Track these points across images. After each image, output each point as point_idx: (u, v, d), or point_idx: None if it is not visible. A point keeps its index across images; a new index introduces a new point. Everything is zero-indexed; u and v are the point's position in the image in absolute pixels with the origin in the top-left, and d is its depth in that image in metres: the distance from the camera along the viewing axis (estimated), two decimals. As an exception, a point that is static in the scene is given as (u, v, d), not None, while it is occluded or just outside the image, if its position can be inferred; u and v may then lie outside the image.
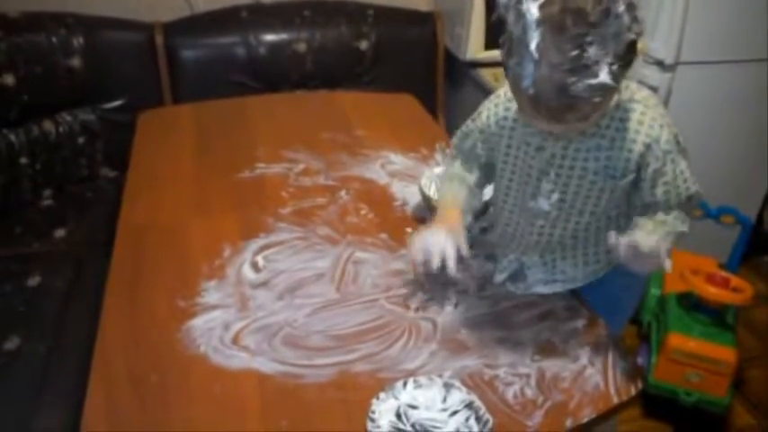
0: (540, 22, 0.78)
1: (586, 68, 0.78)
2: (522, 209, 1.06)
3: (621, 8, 0.78)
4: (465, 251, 1.02)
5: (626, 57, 0.81)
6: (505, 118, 1.03)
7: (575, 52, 0.77)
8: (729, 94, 1.95)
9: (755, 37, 1.86)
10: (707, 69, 1.89)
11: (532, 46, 0.78)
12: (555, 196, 1.01)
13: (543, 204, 1.02)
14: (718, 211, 1.82)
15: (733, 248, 1.88)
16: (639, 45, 0.84)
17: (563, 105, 0.81)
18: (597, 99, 0.81)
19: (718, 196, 1.87)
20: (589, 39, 0.77)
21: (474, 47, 1.99)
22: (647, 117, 0.93)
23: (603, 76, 0.78)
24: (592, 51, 0.77)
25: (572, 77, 0.78)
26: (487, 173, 1.11)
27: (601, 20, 0.77)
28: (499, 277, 1.12)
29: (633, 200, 1.00)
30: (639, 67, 1.93)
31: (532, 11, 0.78)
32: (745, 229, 1.84)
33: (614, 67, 0.79)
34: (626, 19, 0.78)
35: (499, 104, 1.05)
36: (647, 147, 0.93)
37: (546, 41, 0.78)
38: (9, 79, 1.77)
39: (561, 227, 1.03)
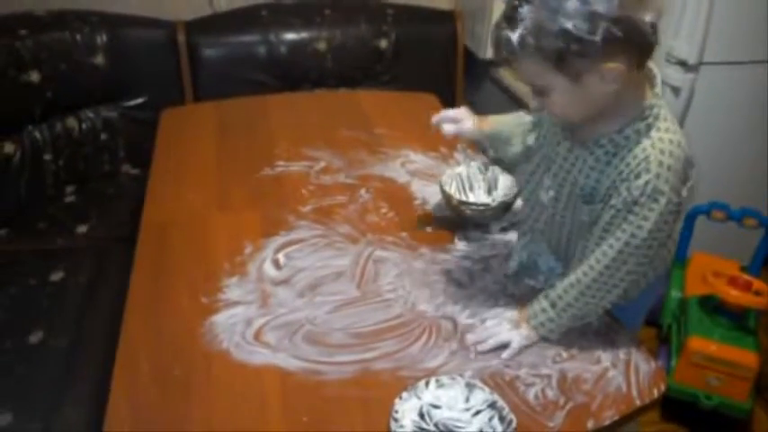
0: None
1: (513, 21, 0.83)
2: (533, 196, 1.08)
3: (570, 3, 0.78)
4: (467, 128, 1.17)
5: (552, 40, 0.80)
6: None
7: (515, 2, 0.83)
8: (753, 95, 1.93)
9: (781, 37, 1.84)
10: (730, 70, 1.87)
11: None
12: (551, 193, 1.02)
13: (543, 197, 1.04)
14: (741, 214, 1.80)
15: (755, 251, 1.86)
16: (610, 64, 0.82)
17: (492, 43, 0.88)
18: (506, 52, 0.85)
19: (741, 198, 1.85)
20: None
21: (494, 46, 1.98)
22: (644, 154, 0.88)
23: (514, 36, 0.83)
24: (525, 10, 0.81)
25: (501, 21, 0.85)
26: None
27: None
28: (512, 264, 1.12)
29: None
30: (662, 67, 1.91)
31: None
32: (768, 231, 1.81)
33: (529, 38, 0.81)
34: (570, 5, 0.78)
35: None
36: (621, 180, 0.90)
37: None
38: (34, 76, 1.79)
39: (556, 223, 1.05)
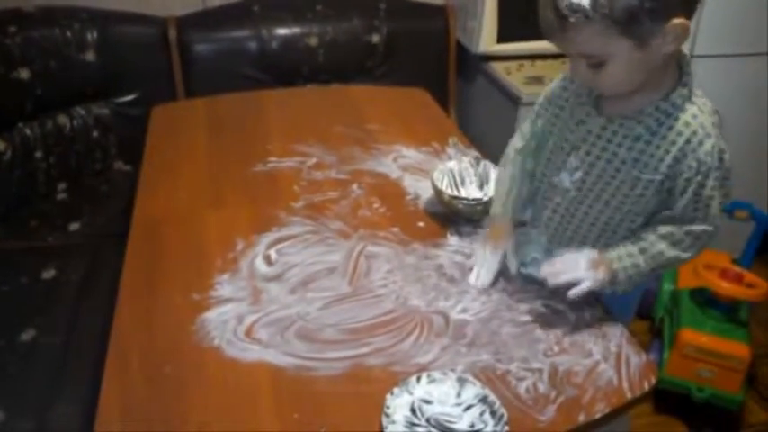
0: None
1: None
2: (548, 182, 1.06)
3: None
4: (513, 268, 1.09)
5: (622, 3, 0.78)
6: (564, 88, 1.03)
7: None
8: (744, 88, 1.93)
9: (772, 30, 1.84)
10: (721, 62, 1.88)
11: None
12: (578, 174, 0.99)
13: (565, 180, 1.01)
14: (732, 207, 1.81)
15: (747, 244, 1.87)
16: (676, 20, 0.80)
17: (552, 15, 0.83)
18: (575, 19, 0.80)
19: (733, 191, 1.85)
20: None
21: (486, 40, 1.98)
22: (697, 121, 0.89)
23: (585, 1, 0.79)
24: None
25: None
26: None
27: None
28: (512, 267, 1.10)
29: (654, 213, 0.98)
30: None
31: None
32: (760, 224, 1.82)
33: (601, 2, 0.78)
34: None
35: (564, 77, 1.04)
36: (685, 153, 0.90)
37: None
38: (24, 73, 1.78)
39: (573, 212, 1.03)
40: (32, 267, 1.50)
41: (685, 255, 0.97)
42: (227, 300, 1.06)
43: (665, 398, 1.71)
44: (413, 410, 0.85)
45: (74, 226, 1.72)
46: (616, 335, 1.01)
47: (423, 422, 0.84)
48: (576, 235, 1.04)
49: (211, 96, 1.83)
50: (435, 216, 1.27)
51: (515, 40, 1.99)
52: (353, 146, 1.52)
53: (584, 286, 0.96)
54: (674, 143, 0.90)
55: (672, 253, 0.96)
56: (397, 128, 1.61)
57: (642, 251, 0.96)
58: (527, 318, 1.04)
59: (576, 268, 0.97)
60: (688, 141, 0.89)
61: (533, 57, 2.05)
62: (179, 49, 1.95)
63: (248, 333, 0.99)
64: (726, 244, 1.91)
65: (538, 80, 1.92)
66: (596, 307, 1.06)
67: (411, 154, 1.50)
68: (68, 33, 1.83)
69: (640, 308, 1.30)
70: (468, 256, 1.16)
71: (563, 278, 0.97)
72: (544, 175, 1.07)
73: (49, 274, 1.49)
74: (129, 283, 1.10)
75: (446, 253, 1.17)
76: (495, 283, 1.10)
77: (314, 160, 1.47)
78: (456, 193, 1.26)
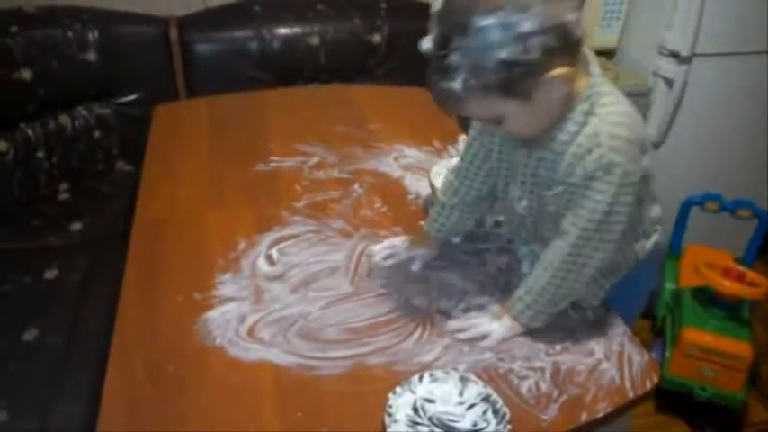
0: (435, 13, 0.83)
1: (445, 72, 0.81)
2: (509, 210, 1.08)
3: (489, 22, 0.78)
4: (415, 268, 1.11)
5: (493, 74, 0.79)
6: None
7: (442, 52, 0.80)
8: (746, 87, 1.93)
9: (774, 28, 1.84)
10: (723, 61, 1.87)
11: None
12: (524, 203, 1.01)
13: (517, 208, 1.03)
14: (735, 205, 1.81)
15: (749, 242, 1.87)
16: (554, 72, 0.81)
17: (435, 97, 0.85)
18: (452, 105, 0.84)
19: (735, 189, 1.85)
20: (459, 43, 0.79)
21: (487, 40, 1.98)
22: (592, 132, 0.87)
23: (456, 85, 0.81)
24: (456, 57, 0.80)
25: (435, 76, 0.83)
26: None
27: (465, 29, 0.79)
28: (524, 266, 1.12)
29: None
30: (655, 59, 1.91)
31: (436, 1, 0.83)
32: (762, 222, 1.82)
33: (472, 81, 0.80)
34: (495, 36, 0.78)
35: None
36: (575, 164, 0.89)
37: (431, 31, 0.83)
38: (26, 74, 1.78)
39: (533, 228, 1.05)
40: (35, 267, 1.50)
41: (574, 280, 0.94)
42: (230, 299, 1.06)
43: (667, 397, 1.71)
44: (415, 409, 0.85)
45: (76, 226, 1.72)
46: (618, 334, 1.01)
47: (425, 421, 0.84)
48: (547, 236, 1.03)
49: (213, 96, 1.83)
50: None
51: (516, 40, 1.99)
52: (355, 145, 1.53)
53: (495, 336, 0.98)
54: (574, 154, 0.89)
55: (556, 281, 0.94)
56: (399, 127, 1.61)
57: (527, 291, 0.97)
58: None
59: (482, 323, 0.99)
60: (580, 155, 0.88)
61: (535, 56, 2.04)
62: (180, 49, 1.95)
63: (250, 332, 0.99)
64: (728, 243, 1.91)
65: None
66: (599, 306, 1.06)
67: (412, 153, 1.50)
68: (70, 33, 1.83)
69: (643, 307, 1.29)
70: (471, 255, 1.16)
71: (470, 333, 0.98)
72: (504, 203, 1.09)
73: (51, 273, 1.49)
74: (131, 283, 1.10)
75: (448, 252, 1.17)
76: (497, 282, 1.09)
77: (315, 160, 1.47)
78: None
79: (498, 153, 1.02)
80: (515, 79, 0.81)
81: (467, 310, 1.04)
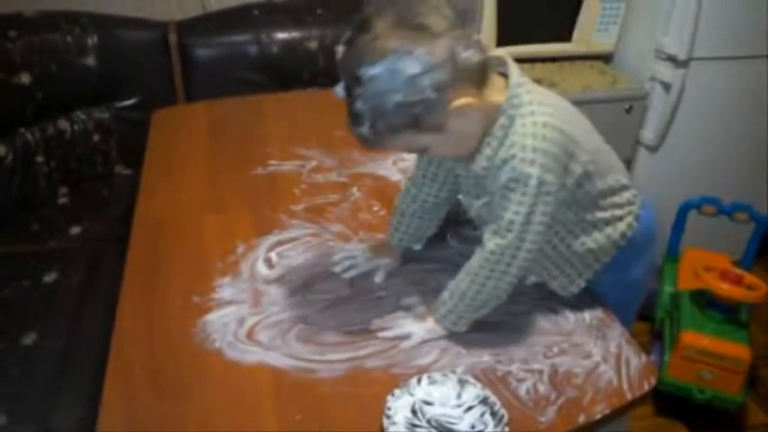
0: (338, 63, 0.87)
1: (354, 117, 0.86)
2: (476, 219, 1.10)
3: (376, 71, 0.81)
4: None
5: (396, 117, 0.83)
6: None
7: (349, 99, 0.85)
8: (743, 90, 1.94)
9: (770, 32, 1.85)
10: (720, 65, 1.88)
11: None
12: (473, 211, 1.05)
13: (473, 214, 1.07)
14: (732, 208, 1.81)
15: (747, 245, 1.87)
16: (457, 102, 0.84)
17: (369, 146, 0.90)
18: (370, 145, 0.88)
19: (732, 193, 1.86)
20: (357, 91, 0.83)
21: (485, 43, 1.99)
22: (509, 143, 0.89)
23: (364, 130, 0.86)
24: (359, 105, 0.84)
25: (348, 120, 0.87)
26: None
27: (358, 79, 0.83)
28: None
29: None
30: (652, 63, 1.92)
31: (338, 51, 0.87)
32: (760, 226, 1.83)
33: (379, 125, 0.84)
34: (385, 83, 0.81)
35: None
36: (495, 172, 0.91)
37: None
38: (25, 78, 1.79)
39: None
40: (34, 271, 1.51)
41: (493, 287, 0.94)
42: (228, 302, 1.06)
43: (665, 400, 1.71)
44: (414, 412, 0.85)
45: (75, 230, 1.72)
46: (616, 336, 1.01)
47: (423, 423, 0.84)
48: None
49: (212, 100, 1.84)
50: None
51: (514, 44, 2.00)
52: (353, 149, 1.53)
53: (415, 339, 0.98)
54: (492, 169, 0.92)
55: (475, 287, 0.95)
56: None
57: (450, 296, 0.98)
58: (527, 319, 1.04)
59: (404, 324, 1.00)
60: (498, 165, 0.90)
61: (533, 60, 2.05)
62: (179, 54, 1.96)
63: (249, 335, 0.99)
64: (726, 246, 1.92)
65: (537, 83, 1.92)
66: (596, 308, 1.06)
67: (411, 157, 1.50)
68: (69, 38, 1.84)
69: (640, 308, 1.29)
70: (467, 257, 1.16)
71: (391, 333, 0.99)
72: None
73: (50, 277, 1.49)
74: (130, 287, 1.10)
75: (446, 255, 1.17)
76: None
77: (314, 163, 1.47)
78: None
79: (445, 165, 1.06)
80: (420, 117, 0.84)
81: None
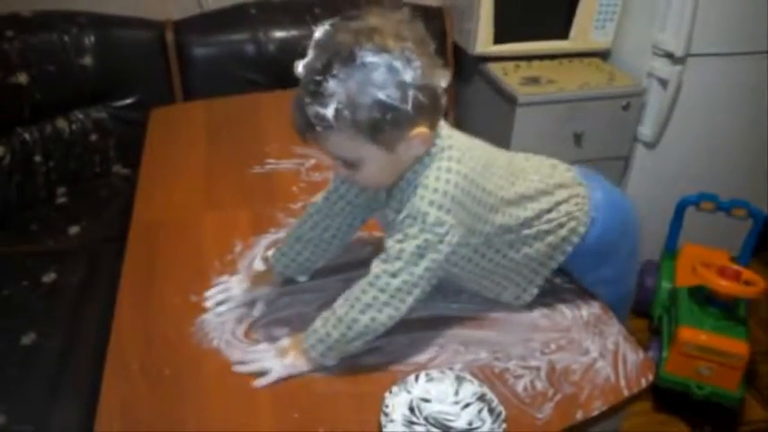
0: (315, 39, 0.85)
1: (321, 96, 0.81)
2: None
3: (376, 60, 0.80)
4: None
5: (367, 112, 0.81)
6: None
7: (318, 77, 0.81)
8: (741, 87, 1.94)
9: (767, 28, 1.85)
10: (718, 61, 1.88)
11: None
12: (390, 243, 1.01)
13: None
14: (730, 204, 1.81)
15: (744, 242, 1.88)
16: (418, 129, 0.84)
17: (300, 120, 0.86)
18: (321, 128, 0.83)
19: (730, 189, 1.86)
20: (334, 71, 0.80)
21: (483, 41, 1.99)
22: (412, 187, 0.89)
23: (329, 111, 0.81)
24: (333, 84, 0.80)
25: (306, 99, 0.83)
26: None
27: (349, 59, 0.80)
28: None
29: None
30: (649, 60, 1.92)
31: (319, 30, 0.86)
32: (757, 222, 1.83)
33: (345, 112, 0.81)
34: (378, 75, 0.80)
35: None
36: (402, 204, 0.90)
37: (309, 56, 0.84)
38: (22, 78, 1.79)
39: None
40: (32, 271, 1.50)
41: (368, 313, 0.90)
42: (226, 301, 1.06)
43: (664, 396, 1.71)
44: (411, 409, 0.86)
45: (73, 229, 1.72)
46: (613, 333, 1.02)
47: (421, 420, 0.85)
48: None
49: (209, 99, 1.84)
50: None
51: (512, 41, 2.00)
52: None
53: (273, 375, 0.92)
54: (400, 207, 0.91)
55: (353, 314, 0.90)
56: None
57: (323, 324, 0.92)
58: (524, 316, 1.04)
59: (264, 358, 0.94)
60: (404, 201, 0.90)
61: (530, 57, 2.05)
62: (177, 53, 1.96)
63: (247, 334, 1.00)
64: (724, 242, 1.92)
65: (534, 81, 1.93)
66: (594, 305, 1.06)
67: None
68: (66, 38, 1.84)
69: (639, 305, 1.29)
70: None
71: (248, 368, 0.93)
72: None
73: (49, 277, 1.49)
74: (128, 286, 1.10)
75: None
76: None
77: (312, 162, 1.47)
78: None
79: (361, 199, 1.04)
80: (384, 125, 0.83)
81: (461, 310, 1.05)
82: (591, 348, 0.98)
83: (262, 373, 0.92)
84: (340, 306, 0.92)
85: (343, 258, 1.15)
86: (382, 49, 0.80)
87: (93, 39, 1.87)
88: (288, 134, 1.57)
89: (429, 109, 0.85)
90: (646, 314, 1.91)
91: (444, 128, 0.94)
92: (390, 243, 0.90)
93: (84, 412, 1.10)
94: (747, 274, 1.63)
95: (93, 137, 1.93)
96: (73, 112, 1.91)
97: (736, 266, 1.65)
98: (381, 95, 0.81)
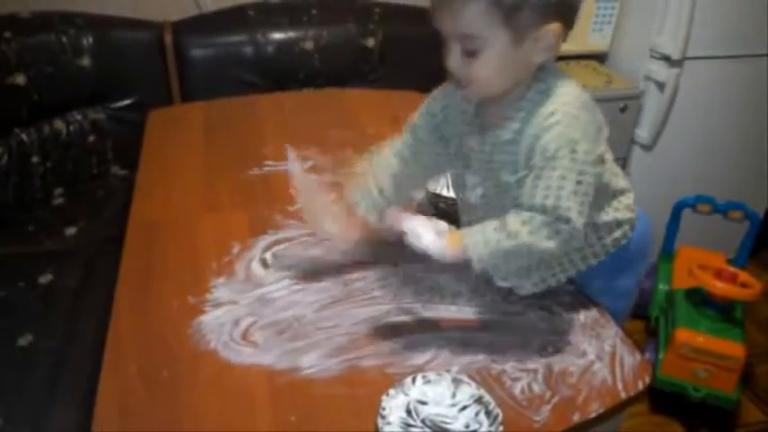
0: None
1: None
2: (460, 200, 1.06)
3: None
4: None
5: None
6: (445, 106, 1.03)
7: None
8: (737, 89, 1.95)
9: (763, 32, 1.86)
10: (714, 64, 1.89)
11: None
12: (479, 191, 1.00)
13: (471, 197, 1.02)
14: (727, 207, 1.82)
15: (741, 244, 1.88)
16: (554, 25, 0.83)
17: None
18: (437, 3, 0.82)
19: (726, 191, 1.87)
20: None
21: (481, 43, 1.99)
22: (548, 111, 0.86)
23: None
24: None
25: None
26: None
27: None
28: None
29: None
30: (646, 63, 1.93)
31: None
32: (754, 224, 1.83)
33: None
34: None
35: (441, 93, 1.04)
36: (533, 145, 0.87)
37: None
38: (20, 79, 1.79)
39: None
40: (29, 272, 1.50)
41: (544, 245, 0.86)
42: (224, 303, 1.06)
43: (660, 398, 1.72)
44: (408, 411, 0.86)
45: (70, 231, 1.72)
46: (610, 335, 1.02)
47: (418, 423, 0.85)
48: None
49: (207, 100, 1.83)
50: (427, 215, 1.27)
51: (510, 43, 2.01)
52: (349, 149, 1.53)
53: (423, 241, 0.88)
54: (529, 137, 0.88)
55: (529, 239, 0.86)
56: (393, 131, 1.61)
57: (496, 229, 0.88)
58: (521, 318, 1.04)
59: (421, 224, 0.90)
60: (537, 134, 0.87)
61: (528, 59, 2.06)
62: (175, 54, 1.96)
63: (244, 336, 0.99)
64: (720, 244, 1.93)
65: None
66: (591, 308, 1.06)
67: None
68: (64, 39, 1.84)
69: (635, 307, 1.29)
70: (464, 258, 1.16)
71: (403, 224, 0.90)
72: (456, 196, 1.08)
73: (45, 278, 1.49)
74: (125, 287, 1.10)
75: (441, 255, 1.17)
76: (489, 283, 1.10)
77: (310, 163, 1.47)
78: (438, 192, 1.27)
79: (449, 139, 1.02)
80: (527, 6, 0.80)
81: (459, 312, 1.05)
82: (588, 351, 0.99)
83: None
84: (510, 223, 0.87)
85: (343, 260, 1.16)
86: None
87: (91, 40, 1.86)
88: (285, 136, 1.59)
89: (569, 7, 0.83)
90: (642, 316, 1.92)
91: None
92: (547, 183, 0.84)
93: (81, 414, 1.10)
94: (744, 276, 1.63)
95: (91, 138, 1.93)
96: (71, 113, 1.91)
97: (732, 268, 1.65)
98: None
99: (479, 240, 0.88)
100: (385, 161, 1.09)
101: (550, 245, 0.87)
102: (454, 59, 0.88)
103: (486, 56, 0.85)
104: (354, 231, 1.10)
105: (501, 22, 0.82)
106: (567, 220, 0.85)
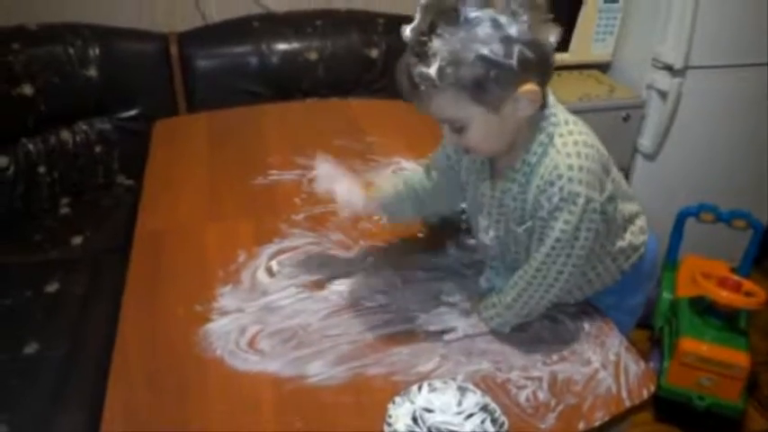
0: (421, 3, 0.83)
1: (425, 56, 0.82)
2: (476, 240, 1.10)
3: (480, 15, 0.80)
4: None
5: (470, 68, 0.81)
6: (456, 151, 1.06)
7: (423, 38, 0.82)
8: (740, 98, 1.95)
9: (765, 41, 1.87)
10: (717, 74, 1.90)
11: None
12: (491, 233, 1.03)
13: (485, 239, 1.06)
14: (730, 215, 1.82)
15: (745, 252, 1.88)
16: (526, 87, 0.84)
17: (405, 82, 0.86)
18: (425, 87, 0.83)
19: (730, 200, 1.87)
20: (438, 30, 0.81)
21: (484, 54, 2.01)
22: (552, 163, 0.90)
23: (432, 70, 0.81)
24: (438, 43, 0.81)
25: (411, 59, 0.84)
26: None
27: (453, 17, 0.80)
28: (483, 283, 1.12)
29: None
30: (649, 72, 1.94)
31: None
32: (757, 233, 1.83)
33: (448, 69, 0.81)
34: (482, 30, 0.80)
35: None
36: (539, 197, 0.91)
37: (415, 19, 0.83)
38: (27, 89, 1.80)
39: (508, 260, 1.06)
40: (36, 281, 1.51)
41: (540, 298, 0.98)
42: (230, 311, 1.07)
43: (665, 406, 1.71)
44: (414, 419, 0.86)
45: (77, 240, 1.73)
46: (615, 344, 1.02)
47: (424, 431, 0.85)
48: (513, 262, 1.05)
49: (213, 110, 1.85)
50: (435, 227, 1.28)
51: (513, 53, 2.02)
52: (353, 158, 1.54)
53: (459, 333, 1.01)
54: (537, 187, 0.92)
55: (523, 300, 0.98)
56: (396, 140, 1.63)
57: (499, 302, 1.01)
58: (526, 327, 1.05)
59: (450, 319, 1.04)
60: (542, 187, 0.91)
61: (530, 69, 2.07)
62: (180, 65, 1.97)
63: (251, 344, 1.00)
64: (724, 252, 1.93)
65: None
66: (596, 317, 1.07)
67: (410, 166, 1.51)
68: (71, 50, 1.86)
69: (640, 317, 1.30)
70: (468, 267, 1.17)
71: (435, 327, 1.03)
72: (474, 234, 1.12)
73: (52, 287, 1.50)
74: (132, 296, 1.11)
75: (446, 263, 1.18)
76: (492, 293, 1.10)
77: (314, 173, 1.47)
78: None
79: (465, 188, 1.06)
80: (489, 82, 0.82)
81: (464, 320, 1.05)
82: (593, 359, 0.99)
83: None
84: (509, 293, 0.99)
85: (347, 269, 1.16)
86: (486, 4, 0.80)
87: (97, 51, 1.88)
88: (290, 145, 1.60)
89: (536, 65, 0.84)
90: (647, 325, 1.91)
91: (550, 94, 0.93)
92: (548, 232, 0.91)
93: (87, 422, 1.11)
94: (748, 284, 1.63)
95: (98, 148, 1.94)
96: (77, 124, 1.92)
97: (736, 277, 1.65)
98: (485, 51, 0.80)
99: (493, 314, 1.02)
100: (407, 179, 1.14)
101: (552, 292, 0.97)
102: (447, 136, 0.95)
103: (472, 129, 0.89)
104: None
105: (471, 101, 0.85)
106: (574, 266, 0.94)
